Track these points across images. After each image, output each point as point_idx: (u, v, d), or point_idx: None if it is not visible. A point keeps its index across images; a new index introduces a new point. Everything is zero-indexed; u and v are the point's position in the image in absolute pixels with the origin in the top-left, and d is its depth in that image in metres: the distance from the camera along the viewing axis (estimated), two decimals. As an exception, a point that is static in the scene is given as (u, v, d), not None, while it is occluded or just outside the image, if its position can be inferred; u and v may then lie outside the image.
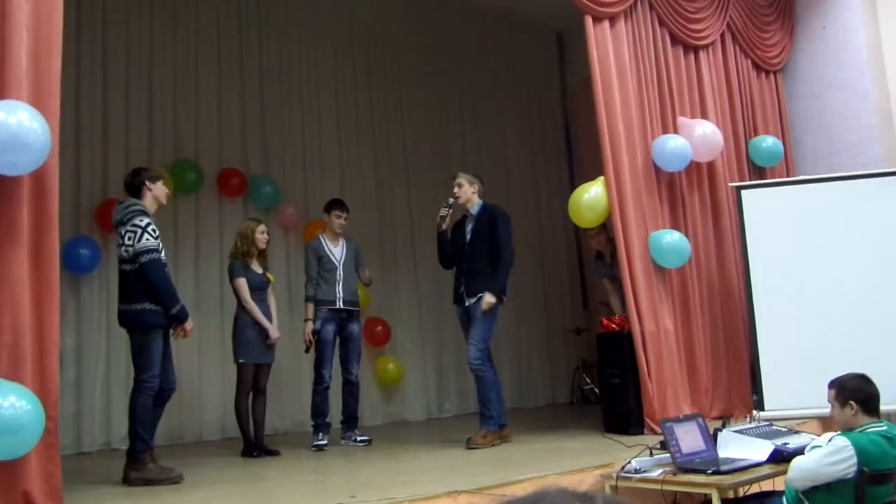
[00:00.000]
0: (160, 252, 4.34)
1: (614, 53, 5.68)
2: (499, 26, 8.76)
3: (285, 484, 4.22)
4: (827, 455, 2.93)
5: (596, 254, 6.22)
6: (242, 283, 5.41)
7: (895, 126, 6.54)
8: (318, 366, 5.64)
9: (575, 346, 8.66)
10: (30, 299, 3.33)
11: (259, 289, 5.49)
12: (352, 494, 3.58)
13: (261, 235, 5.53)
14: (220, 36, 7.13)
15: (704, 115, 6.19)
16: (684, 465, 3.50)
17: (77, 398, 6.04)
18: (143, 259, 4.26)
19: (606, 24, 5.69)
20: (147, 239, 4.28)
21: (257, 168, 7.15)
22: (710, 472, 3.37)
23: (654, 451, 3.86)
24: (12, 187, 3.32)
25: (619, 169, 5.50)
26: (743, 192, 5.88)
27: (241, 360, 5.41)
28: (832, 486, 2.92)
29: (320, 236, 5.87)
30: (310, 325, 5.65)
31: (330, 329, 5.66)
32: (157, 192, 4.50)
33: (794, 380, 5.45)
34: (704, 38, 6.36)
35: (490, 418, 5.12)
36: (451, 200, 5.37)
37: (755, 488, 3.69)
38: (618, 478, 3.65)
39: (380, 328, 7.43)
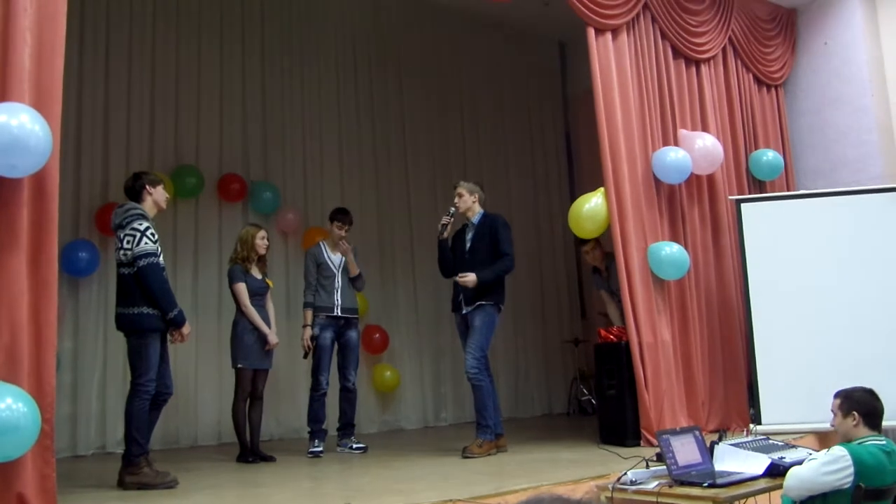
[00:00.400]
0: (159, 256, 4.34)
1: (616, 65, 5.70)
2: (501, 36, 8.78)
3: (280, 490, 4.21)
4: (824, 464, 2.93)
5: (593, 268, 6.25)
6: (242, 288, 5.41)
7: (896, 142, 6.57)
8: (316, 372, 5.63)
9: (572, 356, 8.65)
10: (28, 301, 3.33)
11: (258, 294, 5.49)
12: (347, 501, 3.57)
13: (261, 241, 5.54)
14: (222, 41, 7.15)
15: (705, 128, 6.21)
16: (680, 478, 3.49)
17: (73, 401, 6.02)
18: (142, 263, 4.26)
19: (609, 35, 5.71)
20: (146, 243, 4.28)
21: (258, 174, 7.16)
22: (706, 484, 3.35)
23: (650, 463, 3.84)
24: (12, 189, 3.33)
25: (620, 180, 5.51)
26: (743, 205, 5.89)
27: (239, 365, 5.41)
28: (828, 497, 2.92)
29: (320, 243, 5.88)
30: (308, 332, 5.65)
31: (328, 336, 5.66)
32: (157, 196, 4.51)
33: (791, 394, 5.45)
34: (706, 51, 6.39)
35: (486, 427, 5.11)
36: (453, 209, 5.38)
37: (751, 502, 3.69)
38: (613, 489, 3.63)
39: (377, 336, 7.42)
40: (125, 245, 4.30)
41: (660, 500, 3.44)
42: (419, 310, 7.92)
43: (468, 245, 5.34)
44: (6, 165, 3.23)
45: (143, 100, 6.67)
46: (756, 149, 6.68)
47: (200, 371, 6.61)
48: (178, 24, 6.94)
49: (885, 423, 3.27)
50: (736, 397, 5.90)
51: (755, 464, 3.53)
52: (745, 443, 3.77)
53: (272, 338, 5.46)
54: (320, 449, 5.51)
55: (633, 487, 3.56)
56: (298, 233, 7.24)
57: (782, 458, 3.54)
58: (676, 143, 5.91)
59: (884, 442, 3.03)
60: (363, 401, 6.76)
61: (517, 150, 8.94)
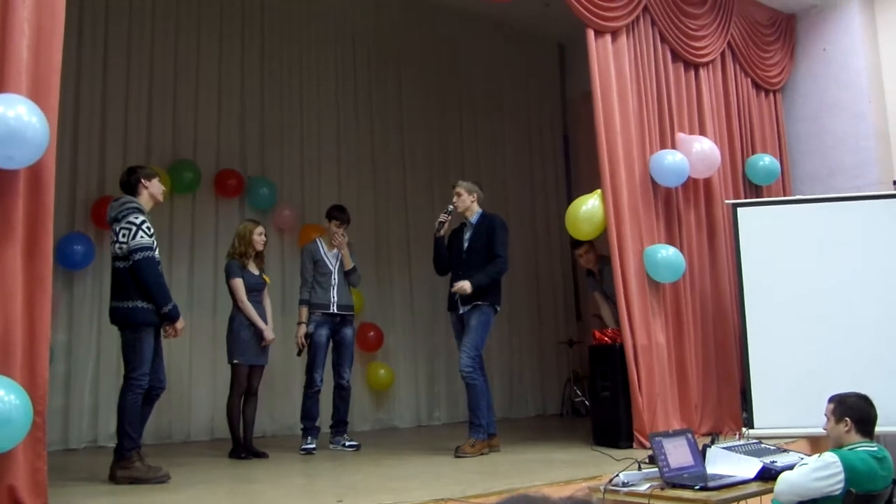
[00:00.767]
0: (154, 250, 4.34)
1: (615, 68, 5.70)
2: (501, 36, 8.78)
3: (272, 486, 4.20)
4: (815, 470, 2.94)
5: (587, 270, 6.26)
6: (239, 283, 5.40)
7: (892, 149, 6.59)
8: (310, 369, 5.63)
9: (567, 357, 8.66)
10: (22, 293, 3.32)
11: (255, 290, 5.48)
12: (339, 499, 3.57)
13: (258, 237, 5.53)
14: (221, 36, 7.15)
15: (703, 132, 6.22)
16: (672, 480, 3.49)
17: (66, 394, 6.01)
18: (137, 257, 4.25)
19: (608, 38, 5.71)
20: (141, 237, 4.27)
21: (255, 170, 7.15)
22: (697, 487, 3.36)
23: (642, 465, 3.85)
24: (8, 181, 3.32)
25: (617, 183, 5.52)
26: (739, 209, 5.90)
27: (235, 361, 5.40)
28: (818, 503, 2.92)
29: (317, 240, 5.87)
30: (303, 329, 5.64)
31: (323, 333, 5.66)
32: (153, 189, 4.50)
33: (784, 398, 5.47)
34: (705, 55, 6.39)
35: (479, 427, 5.11)
36: (451, 207, 5.39)
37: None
38: (605, 491, 3.64)
39: (372, 334, 7.42)
40: (121, 239, 4.29)
41: (651, 502, 3.44)
42: (414, 309, 7.92)
43: (465, 245, 5.34)
44: (3, 157, 3.22)
45: (141, 93, 6.65)
46: (753, 153, 6.69)
47: (194, 366, 6.60)
48: (178, 18, 6.92)
49: (879, 429, 3.29)
50: (729, 401, 5.91)
51: (747, 467, 3.54)
52: (737, 446, 3.78)
53: (268, 333, 5.46)
54: (313, 446, 5.51)
55: (625, 489, 3.56)
56: (295, 230, 7.24)
57: (774, 461, 3.55)
58: (674, 147, 5.92)
59: (875, 448, 3.04)
60: (357, 399, 6.76)
61: (515, 151, 8.94)
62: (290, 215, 7.18)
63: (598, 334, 5.75)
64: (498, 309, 5.30)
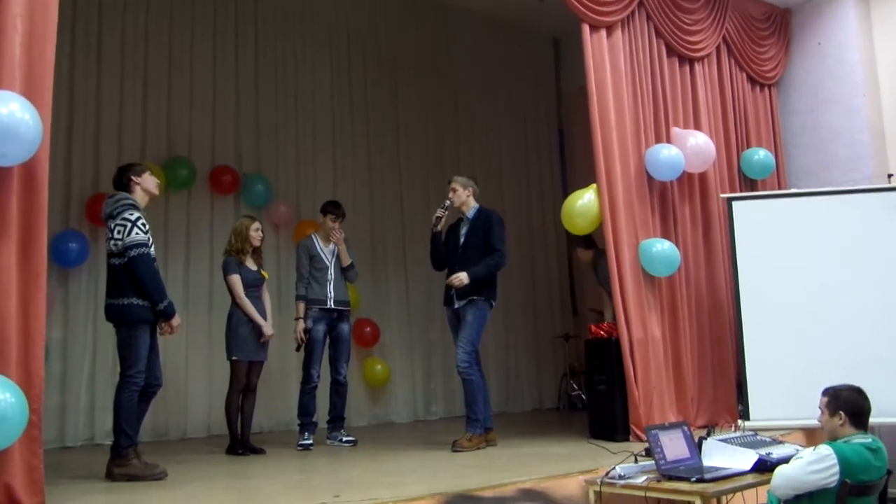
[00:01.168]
0: (150, 247, 4.32)
1: (610, 62, 5.70)
2: (495, 32, 8.78)
3: (270, 482, 4.21)
4: (810, 463, 2.96)
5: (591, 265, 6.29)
6: (236, 279, 5.39)
7: (887, 143, 6.60)
8: (307, 365, 5.63)
9: (563, 351, 8.67)
10: (16, 291, 3.31)
11: (253, 286, 5.48)
12: (336, 494, 3.57)
13: (255, 233, 5.52)
14: (215, 32, 7.13)
15: (698, 127, 6.22)
16: (668, 473, 3.51)
17: (62, 392, 6.00)
18: (132, 253, 4.24)
19: (603, 32, 5.71)
20: (137, 233, 4.26)
21: (250, 166, 7.14)
22: (693, 479, 3.37)
23: (638, 458, 3.87)
24: (2, 178, 3.31)
25: (612, 177, 5.53)
26: (734, 203, 5.91)
27: (234, 358, 5.39)
28: (815, 496, 2.94)
29: (312, 235, 5.87)
30: (301, 324, 5.63)
31: (320, 329, 5.66)
32: (145, 184, 4.47)
33: (779, 391, 5.48)
34: (700, 50, 6.40)
35: (476, 421, 5.12)
36: (448, 202, 5.39)
37: (738, 501, 3.71)
38: (602, 484, 3.65)
39: (368, 329, 7.42)
40: (115, 235, 4.28)
41: (648, 494, 3.46)
42: (410, 304, 7.92)
43: (462, 240, 5.34)
44: (-4, 153, 3.21)
45: (135, 90, 6.63)
46: (748, 147, 6.70)
47: (191, 363, 6.60)
48: (172, 14, 6.90)
49: (873, 420, 3.30)
50: (725, 393, 5.93)
51: (743, 459, 3.56)
52: (732, 438, 3.80)
53: (267, 329, 5.45)
54: (310, 442, 5.51)
55: (622, 482, 3.58)
56: (290, 226, 7.23)
57: (770, 453, 3.56)
58: (669, 141, 5.92)
59: (870, 440, 3.06)
60: (353, 394, 6.76)
61: (510, 146, 8.94)
62: (285, 211, 7.18)
63: (594, 328, 5.77)
64: (493, 304, 5.30)
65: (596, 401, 5.58)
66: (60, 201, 6.08)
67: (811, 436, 5.13)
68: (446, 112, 8.52)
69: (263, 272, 5.64)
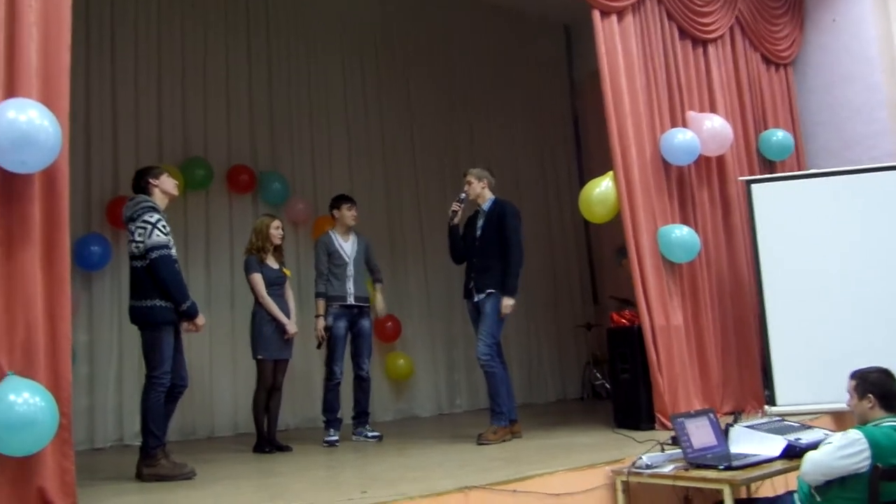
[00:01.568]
0: (171, 248, 4.35)
1: (622, 48, 5.66)
2: (506, 20, 8.73)
3: (297, 479, 4.23)
4: (840, 448, 2.92)
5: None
6: (258, 278, 5.41)
7: (907, 119, 6.50)
8: (330, 362, 5.65)
9: (585, 341, 8.65)
10: (42, 296, 3.35)
11: (275, 284, 5.49)
12: (363, 489, 3.58)
13: (275, 231, 5.54)
14: (227, 33, 7.15)
15: (714, 110, 6.16)
16: (696, 461, 3.49)
17: (90, 394, 6.07)
18: (154, 255, 4.27)
19: (614, 18, 5.66)
20: (157, 235, 4.28)
21: (266, 164, 7.16)
22: (722, 467, 3.36)
23: (665, 447, 3.86)
24: (23, 185, 3.34)
25: (628, 164, 5.49)
26: (753, 186, 5.85)
27: (259, 357, 5.41)
28: (846, 481, 2.91)
29: (330, 232, 5.87)
30: (321, 321, 5.65)
31: (341, 325, 5.67)
32: (163, 185, 4.50)
33: (806, 374, 5.44)
34: (713, 31, 6.33)
35: (500, 414, 5.12)
36: (463, 195, 5.39)
37: (767, 489, 3.68)
38: (629, 473, 3.64)
39: (390, 324, 7.43)
40: (137, 238, 4.31)
41: (676, 483, 3.45)
42: (431, 297, 7.93)
43: (479, 232, 5.33)
44: (16, 161, 3.24)
45: (150, 93, 6.67)
46: (766, 129, 6.62)
47: (215, 362, 6.65)
48: (183, 16, 6.93)
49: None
50: (750, 379, 5.88)
51: (771, 445, 3.53)
52: (760, 424, 3.78)
53: (291, 327, 5.46)
54: (336, 438, 5.53)
55: (649, 471, 3.57)
56: (308, 223, 7.25)
57: (798, 439, 3.54)
58: (685, 125, 5.87)
59: (900, 422, 3.02)
60: (377, 389, 6.79)
61: (525, 136, 8.91)
62: (303, 209, 7.20)
63: (615, 317, 5.74)
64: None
65: (620, 390, 5.56)
66: (81, 205, 6.13)
67: (840, 420, 5.08)
68: (459, 104, 8.49)
69: (285, 270, 5.66)
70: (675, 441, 3.74)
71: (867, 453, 2.86)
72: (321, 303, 5.68)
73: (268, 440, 5.38)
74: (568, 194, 8.86)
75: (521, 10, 8.66)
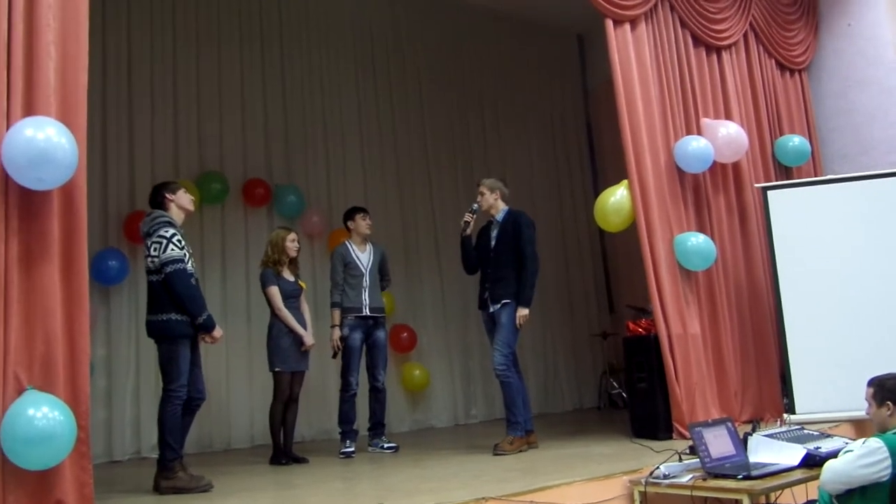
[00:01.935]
0: (186, 262, 4.38)
1: (636, 56, 5.65)
2: (519, 30, 8.77)
3: (314, 491, 4.24)
4: (860, 457, 2.89)
5: None
6: (275, 291, 5.43)
7: (924, 123, 6.44)
8: (345, 373, 5.66)
9: (601, 350, 8.61)
10: (61, 311, 3.38)
11: (292, 296, 5.52)
12: (380, 501, 3.58)
13: (291, 244, 5.57)
14: (241, 48, 7.20)
15: (728, 116, 6.14)
16: (714, 471, 3.47)
17: (108, 407, 6.11)
18: (169, 269, 4.31)
19: (627, 26, 5.67)
20: (172, 249, 4.32)
21: (281, 177, 7.21)
22: (740, 476, 3.33)
23: (683, 457, 3.83)
24: (42, 201, 3.38)
25: (643, 172, 5.47)
26: (769, 192, 5.82)
27: (277, 369, 5.43)
28: (867, 490, 2.87)
29: (346, 242, 5.89)
30: (337, 332, 5.66)
31: (357, 336, 5.68)
32: (179, 200, 4.55)
33: (825, 382, 5.38)
34: (727, 38, 6.31)
35: (516, 424, 5.11)
36: (475, 206, 5.39)
37: (787, 498, 3.64)
38: (647, 484, 3.62)
39: (405, 335, 7.44)
40: (153, 252, 4.35)
41: (694, 493, 3.42)
42: (446, 307, 7.93)
43: (493, 242, 5.33)
44: (33, 179, 3.27)
45: (165, 108, 6.74)
46: (781, 135, 6.59)
47: (231, 375, 6.68)
48: (198, 33, 7.00)
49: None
50: (768, 387, 5.83)
51: (790, 454, 3.50)
52: (779, 433, 3.74)
53: (308, 339, 5.49)
54: (352, 449, 5.54)
55: (667, 481, 3.55)
56: (324, 235, 7.28)
57: (818, 447, 3.50)
58: (699, 133, 5.85)
59: (920, 429, 2.98)
60: (393, 400, 6.79)
61: (539, 146, 8.92)
62: (318, 221, 7.23)
63: (632, 325, 5.72)
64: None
65: (637, 399, 5.53)
66: (98, 220, 6.19)
67: (860, 428, 5.02)
68: (473, 113, 8.52)
69: (301, 282, 5.69)
70: (692, 450, 3.72)
71: (888, 462, 2.83)
72: (337, 313, 5.70)
73: (284, 452, 5.39)
74: (582, 203, 8.86)
75: (533, 20, 8.68)
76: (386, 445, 5.69)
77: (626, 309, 7.68)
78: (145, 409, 6.11)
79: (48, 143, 3.24)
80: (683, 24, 6.09)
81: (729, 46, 6.35)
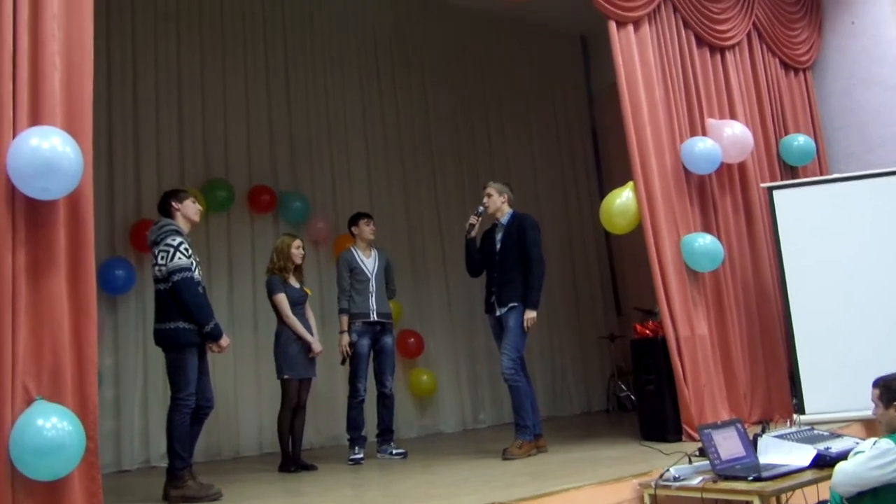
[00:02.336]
0: (192, 270, 4.39)
1: (639, 58, 5.65)
2: (523, 33, 8.77)
3: (323, 498, 4.23)
4: (871, 458, 2.87)
5: None
6: (282, 298, 5.43)
7: (930, 120, 6.41)
8: (353, 379, 5.65)
9: (609, 352, 8.59)
10: (68, 321, 3.38)
11: (298, 303, 5.52)
12: (389, 508, 3.58)
13: (296, 250, 5.57)
14: (246, 55, 7.22)
15: (733, 116, 6.13)
16: (724, 472, 3.45)
17: (116, 417, 6.12)
18: (176, 278, 4.32)
19: (630, 28, 5.66)
20: (179, 258, 4.33)
21: (287, 184, 7.22)
22: (751, 478, 3.31)
23: (692, 459, 3.81)
24: (48, 211, 3.39)
25: (648, 173, 5.46)
26: (775, 192, 5.81)
27: (285, 376, 5.42)
28: (878, 492, 2.86)
29: (351, 248, 5.89)
30: (346, 338, 5.65)
31: (365, 343, 5.68)
32: (185, 210, 4.56)
33: (834, 382, 5.36)
34: (730, 38, 6.30)
35: (525, 428, 5.09)
36: (481, 209, 5.39)
37: (798, 499, 3.62)
38: (656, 486, 3.60)
39: (412, 340, 7.43)
40: (160, 261, 4.36)
41: (704, 495, 3.41)
42: (453, 312, 7.92)
43: (498, 246, 5.33)
44: (38, 188, 3.28)
45: (171, 116, 6.76)
46: (786, 134, 6.57)
47: (239, 383, 6.67)
48: (202, 41, 7.02)
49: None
50: (778, 388, 5.80)
51: (801, 455, 3.48)
52: (789, 434, 3.72)
53: (316, 345, 5.49)
54: (361, 456, 5.53)
55: (677, 484, 3.53)
56: (329, 241, 7.28)
57: (828, 448, 3.48)
58: (704, 133, 5.84)
59: (931, 429, 2.96)
60: (401, 406, 6.78)
61: (544, 148, 8.91)
62: (324, 227, 7.24)
63: (639, 328, 5.70)
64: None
65: (645, 401, 5.51)
66: (105, 230, 6.19)
67: (871, 427, 4.99)
68: (477, 117, 8.52)
69: (306, 289, 5.69)
70: (702, 452, 3.70)
71: (899, 463, 2.81)
72: (344, 318, 5.70)
73: (293, 459, 5.39)
74: (588, 205, 8.85)
75: (537, 22, 8.68)
76: (395, 451, 5.69)
77: (633, 311, 7.66)
78: (154, 418, 6.11)
79: (53, 152, 3.24)
80: (686, 25, 6.08)
81: (732, 46, 6.34)
